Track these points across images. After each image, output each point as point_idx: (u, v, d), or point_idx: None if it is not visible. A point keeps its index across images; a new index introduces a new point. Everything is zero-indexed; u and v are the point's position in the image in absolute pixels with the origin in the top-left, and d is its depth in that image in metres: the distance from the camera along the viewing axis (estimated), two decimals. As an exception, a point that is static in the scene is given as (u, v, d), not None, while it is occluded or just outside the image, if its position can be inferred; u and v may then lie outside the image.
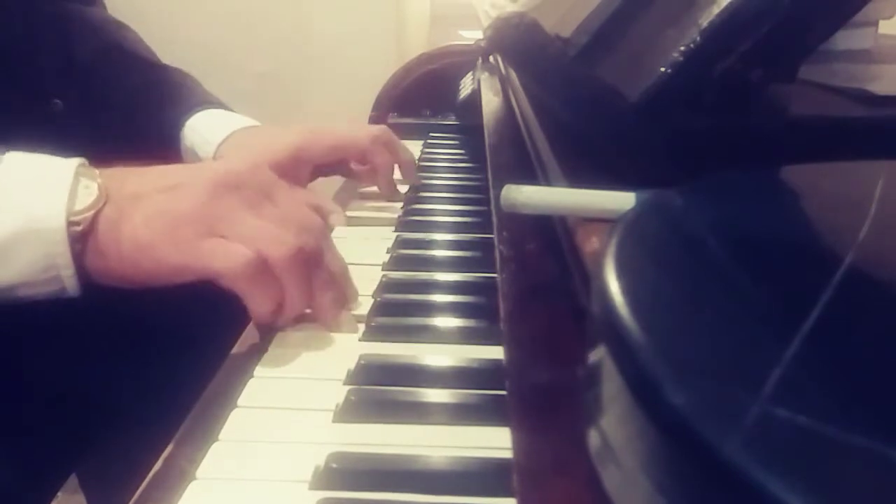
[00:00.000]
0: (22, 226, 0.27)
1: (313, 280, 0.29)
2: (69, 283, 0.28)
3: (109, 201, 0.28)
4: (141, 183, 0.29)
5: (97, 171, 0.29)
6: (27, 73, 0.45)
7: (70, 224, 0.27)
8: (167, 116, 0.49)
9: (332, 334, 0.31)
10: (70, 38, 0.49)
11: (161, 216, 0.27)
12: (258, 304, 0.28)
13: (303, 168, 0.45)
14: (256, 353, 0.29)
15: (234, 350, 0.31)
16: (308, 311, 0.30)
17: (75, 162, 0.29)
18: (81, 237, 0.27)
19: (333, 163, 0.47)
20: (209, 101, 0.50)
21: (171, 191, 0.28)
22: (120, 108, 0.50)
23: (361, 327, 0.31)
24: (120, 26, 0.55)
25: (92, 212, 0.27)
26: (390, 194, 0.47)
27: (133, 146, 0.53)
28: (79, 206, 0.27)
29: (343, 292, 0.31)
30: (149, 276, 0.28)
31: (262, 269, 0.27)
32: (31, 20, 0.46)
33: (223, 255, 0.27)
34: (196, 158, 0.47)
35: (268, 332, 0.29)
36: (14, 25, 0.44)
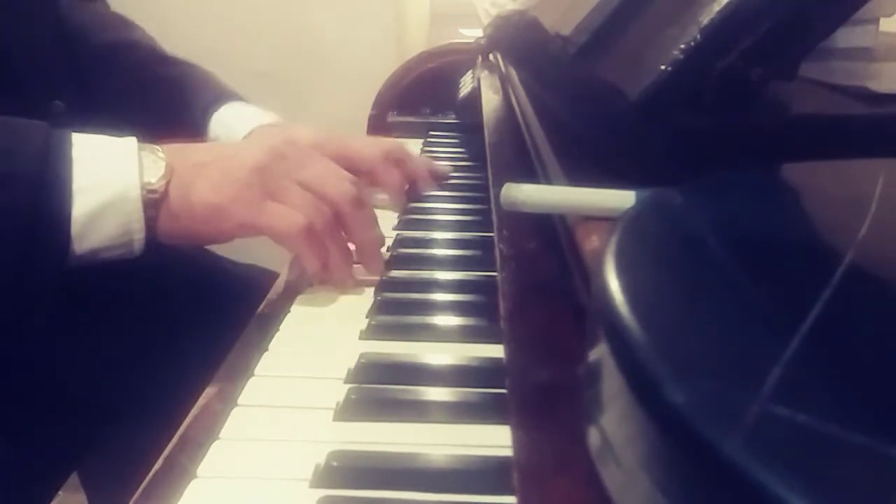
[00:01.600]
0: (106, 199, 0.30)
1: (353, 231, 0.34)
2: (138, 245, 0.32)
3: (176, 172, 0.32)
4: (201, 154, 0.33)
5: (157, 147, 0.32)
6: (25, 74, 0.45)
7: (147, 193, 0.31)
8: (192, 110, 0.49)
9: (332, 334, 0.31)
10: (73, 41, 0.49)
11: (226, 180, 0.32)
12: (309, 262, 0.33)
13: None
14: (257, 352, 0.29)
15: (235, 349, 0.31)
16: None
17: (132, 139, 0.32)
18: (155, 204, 0.31)
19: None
20: (235, 94, 0.51)
21: (229, 158, 0.33)
22: (134, 103, 0.50)
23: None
24: (128, 24, 0.55)
25: (164, 182, 0.31)
26: (401, 209, 0.46)
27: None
28: (151, 178, 0.31)
29: (379, 237, 0.36)
30: (218, 233, 0.33)
31: (311, 233, 0.32)
32: (28, 20, 0.46)
33: (284, 219, 0.32)
34: None
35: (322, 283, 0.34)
36: (11, 25, 0.44)
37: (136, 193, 0.31)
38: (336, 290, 0.34)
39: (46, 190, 0.29)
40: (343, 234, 0.34)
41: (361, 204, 0.34)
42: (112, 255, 0.31)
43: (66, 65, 0.48)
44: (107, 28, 0.52)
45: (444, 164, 0.50)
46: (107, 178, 0.30)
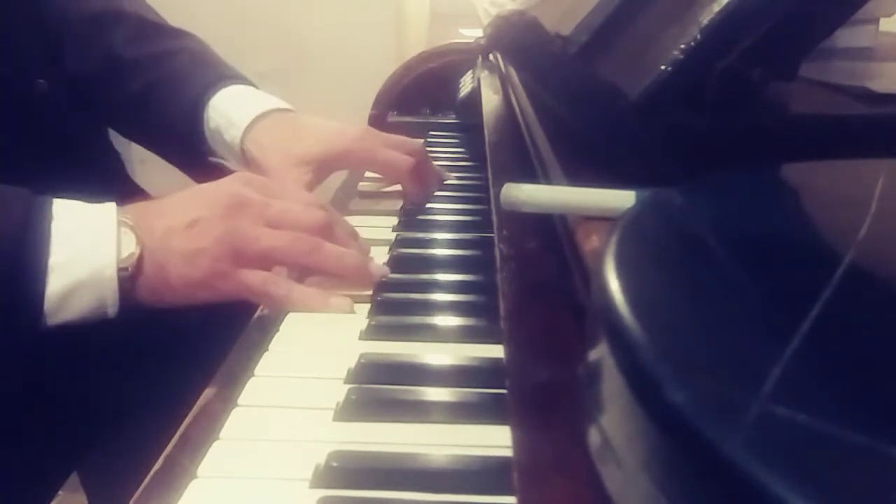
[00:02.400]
0: (82, 277, 0.30)
1: (333, 258, 0.34)
2: (111, 314, 0.32)
3: (146, 246, 0.31)
4: (164, 220, 0.32)
5: (129, 217, 0.32)
6: (4, 53, 0.42)
7: (120, 270, 0.31)
8: (185, 92, 0.45)
9: (332, 334, 0.31)
10: (55, 19, 0.46)
11: (198, 255, 0.32)
12: (307, 308, 0.32)
13: (332, 170, 0.44)
14: (257, 352, 0.29)
15: (235, 349, 0.31)
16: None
17: (113, 208, 0.32)
18: (130, 279, 0.31)
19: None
20: (232, 76, 0.47)
21: (194, 226, 0.32)
22: (123, 81, 0.47)
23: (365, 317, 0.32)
24: None
25: (136, 257, 0.31)
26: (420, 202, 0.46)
27: (138, 125, 0.48)
28: (124, 254, 0.31)
29: (361, 249, 0.36)
30: (202, 302, 0.33)
31: (290, 288, 0.32)
32: (8, 1, 0.43)
33: (262, 287, 0.32)
34: (222, 141, 0.45)
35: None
36: None
37: (111, 272, 0.30)
38: (342, 288, 0.33)
39: (23, 267, 0.29)
40: (329, 246, 0.33)
41: (333, 228, 0.34)
42: (84, 323, 0.31)
43: (46, 44, 0.45)
44: (88, 4, 0.48)
45: (443, 164, 0.50)
46: (84, 256, 0.30)
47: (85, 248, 0.30)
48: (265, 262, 0.33)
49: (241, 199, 0.33)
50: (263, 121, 0.44)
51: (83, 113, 0.48)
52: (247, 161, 0.44)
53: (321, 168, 0.43)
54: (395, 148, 0.44)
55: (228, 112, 0.45)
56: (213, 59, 0.49)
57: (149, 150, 0.51)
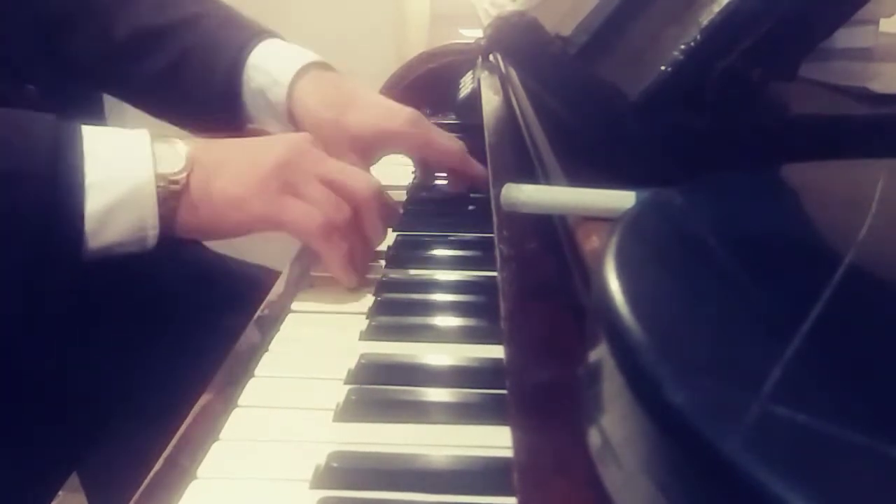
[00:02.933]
0: (120, 194, 0.30)
1: (368, 227, 0.34)
2: (151, 241, 0.31)
3: (197, 164, 0.31)
4: (223, 151, 0.33)
5: (177, 138, 0.32)
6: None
7: (169, 183, 0.30)
8: (221, 54, 0.43)
9: (332, 335, 0.31)
10: (49, 24, 0.45)
11: (247, 173, 0.31)
12: (328, 259, 0.33)
13: (381, 151, 0.43)
14: (257, 352, 0.29)
15: (235, 350, 0.31)
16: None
17: (146, 132, 0.32)
18: (176, 195, 0.31)
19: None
20: (265, 31, 0.44)
21: (251, 153, 0.32)
22: (159, 48, 0.44)
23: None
24: None
25: (185, 174, 0.31)
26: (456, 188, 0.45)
27: (178, 103, 0.46)
28: (170, 168, 0.30)
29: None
30: (236, 226, 0.32)
31: (330, 230, 0.32)
32: (1, 6, 0.42)
33: (303, 216, 0.32)
34: (265, 103, 0.43)
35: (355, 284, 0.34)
36: None
37: (150, 189, 0.30)
38: (342, 288, 0.34)
39: (58, 187, 0.28)
40: (362, 232, 0.34)
41: (381, 199, 0.34)
42: (125, 250, 0.31)
43: (38, 49, 0.44)
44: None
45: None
46: (120, 173, 0.30)
47: (121, 168, 0.30)
48: (315, 197, 0.32)
49: (302, 147, 0.33)
50: (306, 77, 0.42)
51: (121, 80, 0.46)
52: (294, 122, 0.42)
53: (372, 148, 0.42)
54: (447, 136, 0.44)
55: (270, 69, 0.42)
56: (242, 19, 0.46)
57: (180, 125, 0.48)
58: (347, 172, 0.34)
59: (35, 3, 0.45)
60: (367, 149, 0.42)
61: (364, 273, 0.35)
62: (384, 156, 0.44)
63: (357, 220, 0.33)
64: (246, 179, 0.31)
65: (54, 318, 0.31)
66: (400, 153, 0.46)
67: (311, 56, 0.44)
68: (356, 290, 0.34)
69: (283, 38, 0.46)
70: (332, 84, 0.43)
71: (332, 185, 0.33)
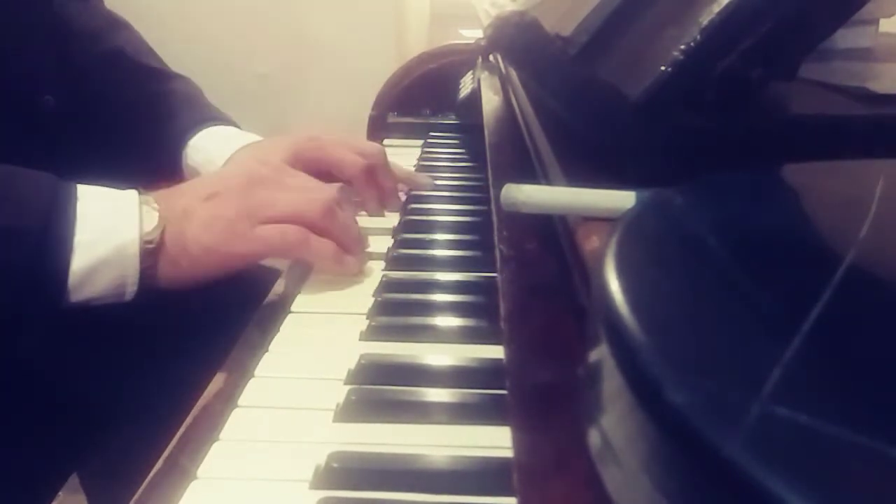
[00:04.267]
0: (105, 254, 0.31)
1: (343, 217, 0.35)
2: (129, 296, 0.33)
3: (168, 220, 0.33)
4: (185, 199, 0.34)
5: (152, 196, 0.34)
6: (16, 68, 0.44)
7: (144, 244, 0.32)
8: (169, 131, 0.48)
9: (333, 335, 0.31)
10: (65, 38, 0.48)
11: (215, 221, 0.33)
12: (321, 259, 0.34)
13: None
14: (257, 353, 0.29)
15: (235, 350, 0.31)
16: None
17: (134, 193, 0.33)
18: (153, 253, 0.32)
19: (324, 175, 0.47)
20: (214, 117, 0.49)
21: (212, 199, 0.34)
22: (118, 114, 0.50)
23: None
24: (119, 27, 0.54)
25: (159, 232, 0.32)
26: (377, 213, 0.46)
27: (129, 156, 0.52)
28: (147, 229, 0.32)
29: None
30: (220, 271, 0.34)
31: (307, 236, 0.33)
32: (22, 18, 0.45)
33: (280, 236, 0.33)
34: (198, 175, 0.47)
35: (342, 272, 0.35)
36: (3, 23, 0.44)
37: (133, 249, 0.31)
38: (342, 289, 0.34)
39: (49, 245, 0.30)
40: (341, 214, 0.35)
41: (342, 205, 0.36)
42: (102, 303, 0.32)
43: (55, 61, 0.47)
44: (96, 32, 0.51)
45: (426, 176, 0.49)
46: (108, 234, 0.31)
47: (109, 228, 0.32)
48: (280, 223, 0.34)
49: (258, 174, 0.35)
50: (235, 154, 0.45)
51: (90, 129, 0.49)
52: None
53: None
54: (351, 149, 0.44)
55: (208, 149, 0.47)
56: (198, 103, 0.52)
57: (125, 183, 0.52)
58: (306, 185, 0.36)
59: (47, 22, 0.47)
60: None
61: (360, 254, 0.36)
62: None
63: (328, 226, 0.35)
64: (216, 226, 0.33)
65: (54, 319, 0.32)
66: (309, 170, 0.45)
67: (252, 139, 0.47)
68: (360, 274, 0.35)
69: (235, 125, 0.50)
70: (248, 150, 0.45)
71: (298, 190, 0.35)
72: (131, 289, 0.32)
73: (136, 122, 0.50)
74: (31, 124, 0.44)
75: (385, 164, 0.45)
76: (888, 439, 0.08)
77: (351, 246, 0.35)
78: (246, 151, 0.46)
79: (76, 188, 0.32)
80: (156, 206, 0.33)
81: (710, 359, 0.11)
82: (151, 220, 0.32)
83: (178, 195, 0.34)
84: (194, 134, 0.48)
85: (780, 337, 0.11)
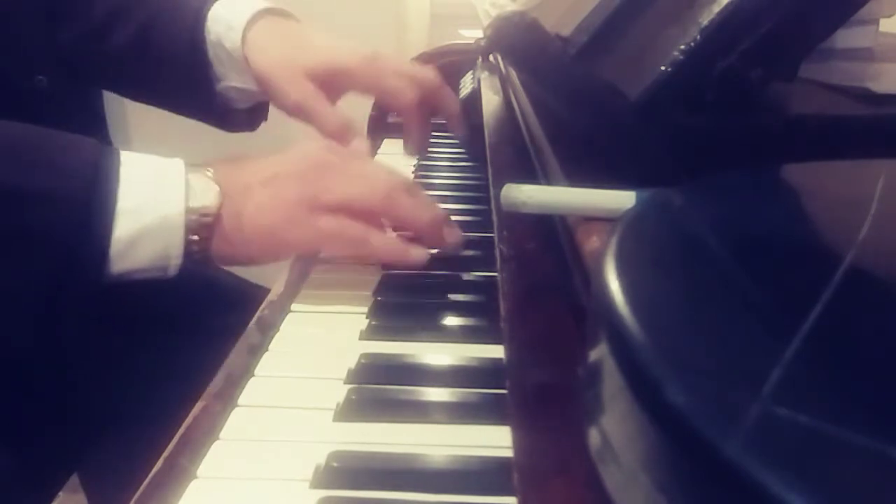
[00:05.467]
0: (149, 223, 0.30)
1: (412, 217, 0.34)
2: (173, 270, 0.31)
3: (227, 194, 0.31)
4: (246, 175, 0.32)
5: (208, 168, 0.32)
6: (3, 50, 0.42)
7: (200, 216, 0.31)
8: (184, 14, 0.44)
9: (333, 334, 0.31)
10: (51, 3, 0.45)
11: (273, 203, 0.31)
12: (385, 257, 0.33)
13: (338, 88, 0.42)
14: (257, 352, 0.29)
15: (235, 349, 0.31)
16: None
17: (181, 162, 0.32)
18: (208, 228, 0.31)
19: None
20: None
21: (272, 181, 0.32)
22: (124, 27, 0.45)
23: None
24: None
25: (217, 204, 0.31)
26: (415, 152, 0.44)
27: (151, 76, 0.46)
28: (204, 202, 0.31)
29: (438, 209, 0.35)
30: (273, 256, 0.33)
31: (367, 234, 0.32)
32: None
33: (339, 231, 0.32)
34: (226, 56, 0.43)
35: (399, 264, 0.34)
36: None
37: (179, 220, 0.30)
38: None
39: (92, 211, 0.29)
40: (406, 199, 0.33)
41: (411, 189, 0.34)
42: (145, 276, 0.31)
43: (45, 32, 0.45)
44: None
45: (443, 165, 0.49)
46: (152, 202, 0.30)
47: (153, 197, 0.30)
48: (340, 211, 0.32)
49: (321, 159, 0.33)
50: (261, 21, 0.42)
51: (84, 110, 0.48)
52: (251, 72, 0.42)
53: (326, 84, 0.41)
54: (406, 76, 0.42)
55: (226, 16, 0.43)
56: None
57: (158, 104, 0.49)
58: (371, 171, 0.33)
59: None
60: (323, 86, 0.41)
61: (441, 234, 0.34)
62: (343, 94, 0.43)
63: (392, 211, 0.33)
64: (275, 210, 0.31)
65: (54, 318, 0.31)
66: (357, 91, 0.45)
67: (265, 2, 0.43)
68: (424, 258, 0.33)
69: None
70: (286, 26, 0.43)
71: (358, 175, 0.33)
72: (175, 261, 0.31)
73: (144, 20, 0.44)
74: (23, 106, 0.42)
75: (442, 90, 0.44)
76: (888, 439, 0.08)
77: (424, 229, 0.34)
78: (276, 33, 0.41)
79: (119, 153, 0.31)
80: (216, 178, 0.31)
81: (710, 359, 0.11)
82: (210, 194, 0.31)
83: (240, 170, 0.33)
84: (211, 5, 0.44)
85: (780, 337, 0.11)
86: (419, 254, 0.33)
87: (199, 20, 0.44)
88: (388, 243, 0.33)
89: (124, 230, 0.29)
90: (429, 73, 0.44)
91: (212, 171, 0.32)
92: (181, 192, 0.30)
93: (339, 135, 0.40)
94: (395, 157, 0.48)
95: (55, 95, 0.45)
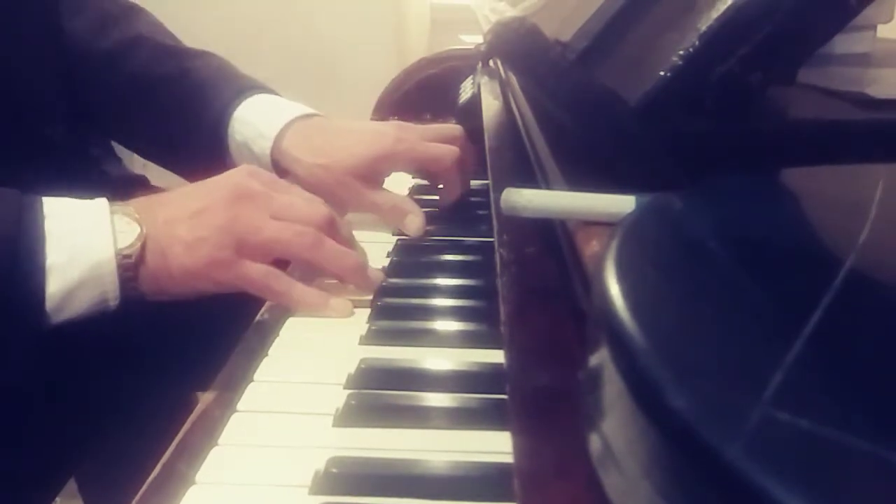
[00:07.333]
0: (81, 275, 0.30)
1: (332, 258, 0.33)
2: (112, 306, 0.31)
3: (149, 234, 0.31)
4: (168, 210, 0.32)
5: (132, 208, 0.32)
6: (22, 99, 0.42)
7: (123, 258, 0.30)
8: (207, 109, 0.44)
9: (332, 339, 0.31)
10: (69, 51, 0.46)
11: (197, 245, 0.31)
12: (305, 309, 0.32)
13: (380, 175, 0.42)
14: (256, 357, 0.29)
15: (234, 354, 0.31)
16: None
17: (105, 203, 0.32)
18: (133, 267, 0.31)
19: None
20: (255, 86, 0.45)
21: (197, 216, 0.32)
22: (143, 113, 0.47)
23: (365, 317, 0.32)
24: (135, 13, 0.49)
25: (139, 245, 0.31)
26: (450, 203, 0.45)
27: (164, 147, 0.47)
28: (125, 243, 0.31)
29: (360, 253, 0.36)
30: (198, 293, 0.33)
31: (290, 286, 0.32)
32: (26, 39, 0.43)
33: (263, 280, 0.32)
34: (251, 155, 0.43)
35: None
36: (8, 47, 0.42)
37: (111, 267, 0.30)
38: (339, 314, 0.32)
39: (19, 272, 0.29)
40: (331, 243, 0.33)
41: (335, 227, 0.34)
42: (86, 318, 0.31)
43: (63, 85, 0.45)
44: (107, 26, 0.48)
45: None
46: (81, 253, 0.30)
47: (82, 247, 0.30)
48: (267, 253, 0.32)
49: (246, 190, 0.33)
50: (292, 128, 0.43)
51: (102, 155, 0.48)
52: (281, 173, 0.43)
53: (372, 176, 0.42)
54: (435, 138, 0.43)
55: (256, 123, 0.43)
56: (234, 73, 0.48)
57: (170, 169, 0.50)
58: (297, 203, 0.33)
59: (56, 47, 0.46)
60: (367, 178, 0.42)
61: (362, 279, 0.34)
62: (387, 176, 0.44)
63: (316, 261, 0.33)
64: (197, 250, 0.31)
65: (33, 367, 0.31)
66: (398, 170, 0.46)
67: (298, 110, 0.44)
68: (346, 314, 0.32)
69: (275, 93, 0.47)
70: (316, 130, 0.44)
71: (286, 219, 0.32)
72: (113, 303, 0.31)
73: (164, 110, 0.46)
74: (42, 153, 0.42)
75: (468, 141, 0.45)
76: (889, 444, 0.08)
77: (347, 275, 0.33)
78: (308, 134, 0.42)
79: (41, 204, 0.30)
80: (136, 216, 0.31)
81: (710, 363, 0.11)
82: (131, 233, 0.31)
83: (160, 205, 0.32)
84: (236, 106, 0.44)
85: (781, 341, 0.11)
86: (340, 305, 0.33)
87: (223, 118, 0.44)
88: (308, 296, 0.32)
89: (57, 286, 0.29)
90: (453, 128, 0.45)
91: (133, 208, 0.32)
92: (109, 237, 0.30)
93: (398, 211, 0.41)
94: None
95: (74, 143, 0.45)
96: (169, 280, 0.32)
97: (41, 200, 0.31)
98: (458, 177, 0.44)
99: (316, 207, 0.34)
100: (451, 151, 0.43)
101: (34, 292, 0.29)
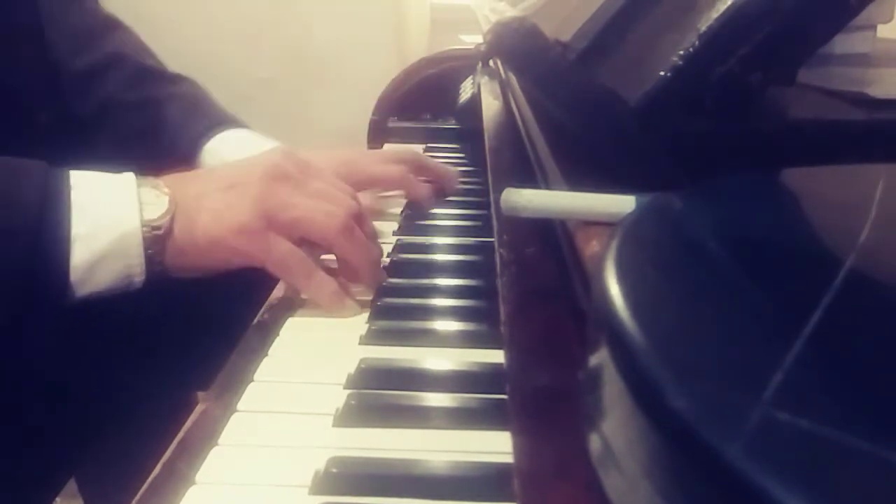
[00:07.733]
0: (106, 246, 0.30)
1: (354, 251, 0.33)
2: (138, 284, 0.31)
3: (179, 206, 0.31)
4: (200, 184, 0.32)
5: (159, 180, 0.32)
6: (6, 87, 0.42)
7: (152, 230, 0.30)
8: (181, 138, 0.46)
9: (332, 339, 0.31)
10: (54, 66, 0.47)
11: (227, 212, 0.31)
12: (317, 298, 0.32)
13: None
14: (256, 357, 0.29)
15: (234, 354, 0.31)
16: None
17: (132, 177, 0.32)
18: (160, 240, 0.30)
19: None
20: (227, 121, 0.47)
21: (229, 189, 0.32)
22: (122, 122, 0.48)
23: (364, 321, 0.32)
24: (115, 28, 0.51)
25: (168, 218, 0.31)
26: (425, 207, 0.45)
27: (139, 165, 0.51)
28: (155, 215, 0.30)
29: (379, 250, 0.36)
30: (224, 265, 0.32)
31: (312, 271, 0.32)
32: (14, 51, 0.43)
33: (286, 258, 0.31)
34: None
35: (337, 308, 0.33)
36: None
37: (136, 239, 0.30)
38: (343, 312, 0.32)
39: (45, 243, 0.28)
40: (359, 233, 0.33)
41: (362, 218, 0.34)
42: (111, 294, 0.31)
43: (47, 79, 0.45)
44: (92, 42, 0.49)
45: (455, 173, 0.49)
46: (106, 224, 0.30)
47: (107, 218, 0.30)
48: (296, 231, 0.32)
49: (281, 169, 0.32)
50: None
51: (83, 147, 0.48)
52: None
53: None
54: (388, 160, 0.44)
55: (224, 156, 0.45)
56: (209, 105, 0.50)
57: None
58: (330, 191, 0.33)
59: (38, 43, 0.46)
60: None
61: (374, 278, 0.34)
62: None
63: (342, 249, 0.33)
64: (227, 220, 0.31)
65: (53, 322, 0.31)
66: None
67: (268, 144, 0.45)
68: (353, 314, 0.32)
69: (247, 128, 0.48)
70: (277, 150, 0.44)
71: (318, 196, 0.32)
72: (139, 278, 0.30)
73: (140, 132, 0.48)
74: (24, 143, 0.43)
75: (424, 162, 0.45)
76: (889, 444, 0.08)
77: (365, 271, 0.33)
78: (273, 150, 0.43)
79: (69, 176, 0.30)
80: (166, 190, 0.31)
81: (710, 363, 0.11)
82: (161, 205, 0.30)
83: (193, 180, 0.32)
84: (209, 139, 0.46)
85: (782, 341, 0.11)
86: (352, 307, 0.32)
87: (194, 150, 0.45)
88: (327, 286, 0.32)
89: (82, 256, 0.29)
90: (408, 152, 0.46)
91: (163, 182, 0.32)
92: (135, 209, 0.30)
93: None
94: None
95: (56, 133, 0.44)
96: (194, 250, 0.31)
97: (68, 172, 0.31)
98: (418, 190, 0.44)
99: (347, 195, 0.34)
100: (396, 170, 0.44)
101: (59, 262, 0.28)
